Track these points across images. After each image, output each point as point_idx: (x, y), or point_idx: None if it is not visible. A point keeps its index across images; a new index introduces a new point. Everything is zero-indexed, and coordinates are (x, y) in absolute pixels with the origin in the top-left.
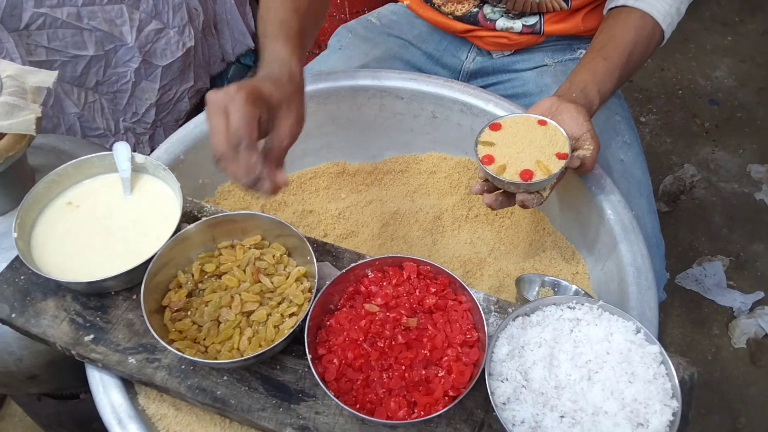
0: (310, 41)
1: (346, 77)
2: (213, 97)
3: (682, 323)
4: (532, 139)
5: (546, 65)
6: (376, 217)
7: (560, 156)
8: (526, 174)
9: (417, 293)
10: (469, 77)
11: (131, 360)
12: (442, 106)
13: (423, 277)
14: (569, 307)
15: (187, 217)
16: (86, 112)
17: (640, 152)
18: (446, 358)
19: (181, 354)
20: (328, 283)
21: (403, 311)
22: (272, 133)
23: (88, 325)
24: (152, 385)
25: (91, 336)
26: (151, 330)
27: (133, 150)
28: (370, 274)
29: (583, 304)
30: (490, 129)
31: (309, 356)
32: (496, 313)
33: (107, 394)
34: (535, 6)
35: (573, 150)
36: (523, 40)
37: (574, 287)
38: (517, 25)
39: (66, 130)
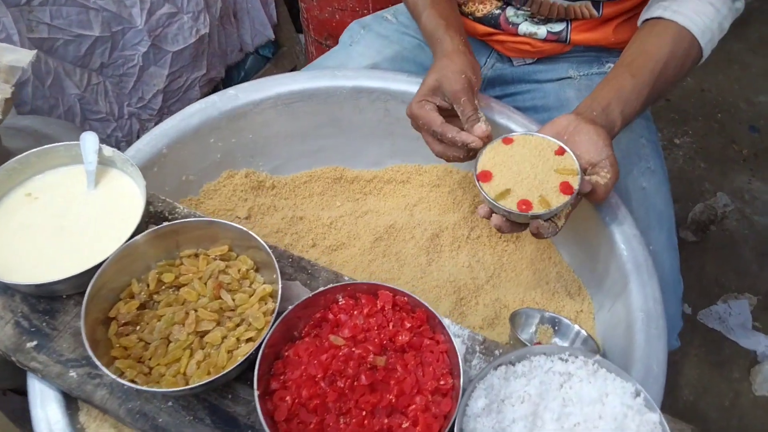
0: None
1: (349, 77)
2: (407, 112)
3: (700, 364)
4: (540, 166)
5: (570, 77)
6: (370, 230)
7: (565, 190)
8: (524, 204)
9: (390, 327)
10: (487, 85)
11: (72, 374)
12: None
13: (399, 309)
14: (561, 359)
15: (157, 218)
16: (88, 94)
17: (665, 181)
18: (413, 406)
19: (113, 377)
20: (291, 307)
21: (371, 347)
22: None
23: (33, 329)
24: (91, 404)
25: (34, 342)
26: (86, 344)
27: (137, 136)
28: (341, 300)
29: (577, 357)
30: (503, 142)
31: (257, 391)
32: (481, 355)
33: (44, 408)
34: (562, 11)
35: (587, 175)
36: (546, 47)
37: (576, 327)
38: (542, 31)
39: (64, 112)
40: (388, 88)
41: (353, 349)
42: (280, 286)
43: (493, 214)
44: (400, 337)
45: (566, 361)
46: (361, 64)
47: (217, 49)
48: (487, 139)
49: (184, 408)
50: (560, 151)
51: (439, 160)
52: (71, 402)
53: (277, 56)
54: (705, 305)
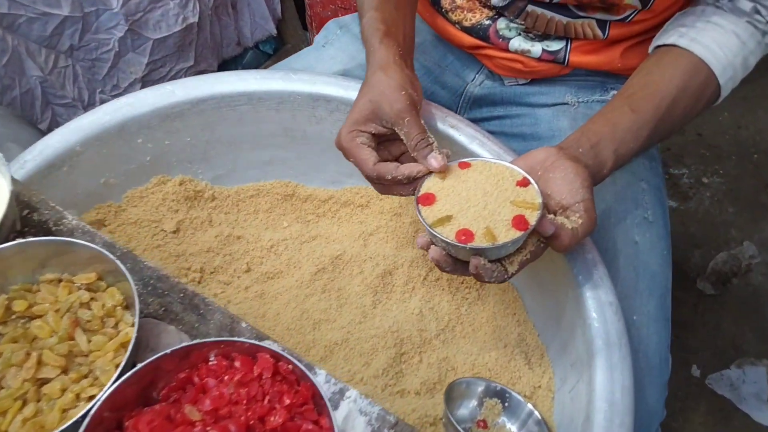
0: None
1: (305, 81)
2: (336, 144)
3: None
4: (495, 195)
5: (567, 104)
6: (314, 259)
7: (519, 225)
8: (464, 234)
9: (265, 402)
10: (472, 104)
11: None
12: None
13: (281, 380)
14: None
15: (39, 229)
16: (53, 77)
17: (665, 236)
18: None
19: None
20: (146, 361)
21: (233, 428)
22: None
23: None
24: None
25: None
26: None
27: None
28: (212, 359)
29: None
30: (458, 166)
31: None
32: None
33: None
34: (561, 28)
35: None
36: (541, 68)
37: (528, 407)
38: (536, 48)
39: (21, 94)
40: (350, 98)
41: (209, 428)
42: (135, 330)
43: (432, 246)
44: (272, 418)
45: None
46: (330, 69)
47: (209, 41)
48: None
49: None
50: (523, 182)
51: None
52: None
53: (279, 53)
54: (716, 368)
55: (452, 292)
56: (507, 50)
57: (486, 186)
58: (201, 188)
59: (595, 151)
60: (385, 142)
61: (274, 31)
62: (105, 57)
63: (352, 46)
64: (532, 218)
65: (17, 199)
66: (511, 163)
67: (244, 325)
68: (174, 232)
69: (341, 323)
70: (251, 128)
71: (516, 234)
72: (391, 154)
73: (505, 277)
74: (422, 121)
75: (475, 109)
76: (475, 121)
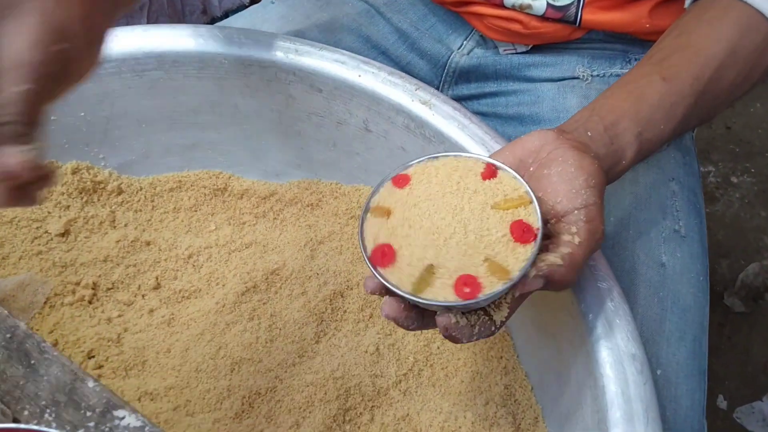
0: None
1: (233, 40)
2: None
3: None
4: (466, 208)
5: (577, 78)
6: (245, 274)
7: (522, 233)
8: (466, 285)
9: None
10: (458, 78)
11: None
12: (380, 115)
13: None
14: None
15: None
16: None
17: (701, 255)
18: None
19: None
20: None
21: None
22: None
23: None
24: None
25: None
26: None
27: None
28: None
29: None
30: (393, 184)
31: None
32: None
33: None
34: None
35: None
36: (546, 30)
37: None
38: (540, 3)
39: None
40: (293, 65)
41: None
42: None
43: (387, 297)
44: None
45: None
46: (280, 30)
47: (165, 7)
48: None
49: None
50: (489, 173)
51: (365, 180)
52: None
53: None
54: (746, 399)
55: None
56: (502, 6)
57: (447, 198)
58: (103, 178)
59: (610, 134)
60: None
61: (247, 0)
62: None
63: (307, 2)
64: (532, 217)
65: None
66: (495, 154)
67: (90, 385)
68: (62, 234)
69: (269, 364)
70: (166, 101)
71: (531, 248)
72: None
73: (493, 329)
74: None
75: (461, 84)
76: (462, 99)
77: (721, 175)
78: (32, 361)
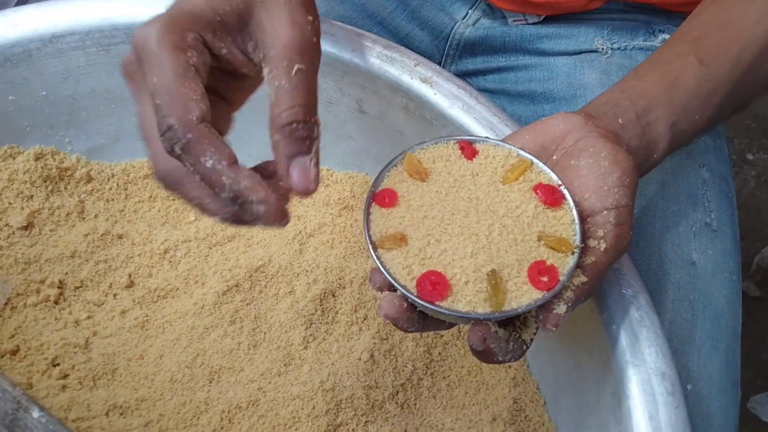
0: None
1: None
2: (124, 60)
3: None
4: (510, 217)
5: (596, 51)
6: (226, 271)
7: (539, 279)
8: (431, 282)
9: None
10: (462, 51)
11: None
12: (375, 94)
13: None
14: None
15: None
16: None
17: (733, 251)
18: None
19: None
20: None
21: None
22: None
23: None
24: None
25: None
26: None
27: None
28: None
29: None
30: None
31: None
32: None
33: None
34: None
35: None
36: None
37: None
38: None
39: None
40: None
41: None
42: None
43: (386, 293)
44: None
45: None
46: None
47: None
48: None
49: None
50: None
51: (359, 167)
52: None
53: None
54: (761, 389)
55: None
56: None
57: (492, 194)
58: (70, 164)
59: (642, 123)
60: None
61: None
62: None
63: None
64: (563, 267)
65: None
66: (512, 137)
67: (35, 415)
68: (24, 228)
69: (251, 374)
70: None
71: (535, 296)
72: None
73: (524, 348)
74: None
75: (466, 58)
76: (467, 74)
77: (737, 152)
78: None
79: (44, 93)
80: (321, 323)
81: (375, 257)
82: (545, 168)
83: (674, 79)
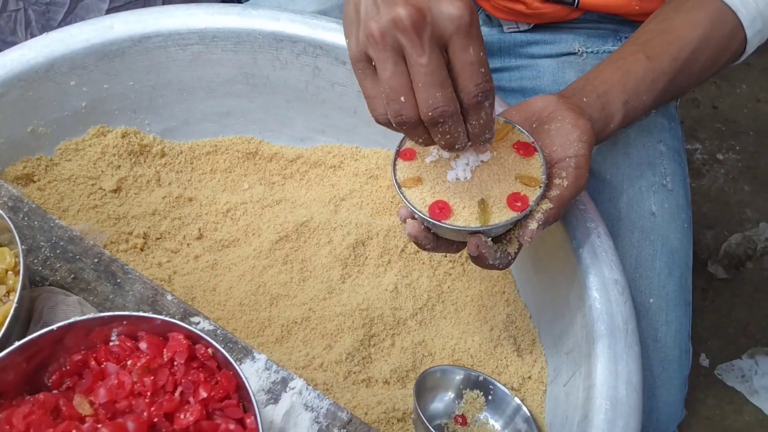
0: None
1: (266, 17)
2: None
3: (712, 429)
4: (496, 164)
5: (574, 53)
6: (277, 225)
7: (515, 203)
8: (439, 207)
9: (176, 395)
10: None
11: None
12: None
13: (198, 367)
14: None
15: None
16: (3, 21)
17: (686, 207)
18: None
19: None
20: (26, 339)
21: (132, 427)
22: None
23: None
24: None
25: None
26: None
27: None
28: (114, 337)
29: None
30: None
31: None
32: None
33: None
34: None
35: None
36: (547, 10)
37: (516, 401)
38: None
39: None
40: (319, 40)
41: (100, 426)
42: (16, 300)
43: (409, 220)
44: (183, 415)
45: None
46: (305, 10)
47: None
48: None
49: None
50: (528, 151)
51: (382, 144)
52: None
53: None
54: (727, 358)
55: (433, 266)
56: None
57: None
58: (148, 142)
59: (602, 101)
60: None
61: None
62: (60, 1)
63: None
64: (532, 196)
65: None
66: (504, 113)
67: (169, 297)
68: (114, 191)
69: (303, 299)
70: (205, 72)
71: (509, 215)
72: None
73: (509, 261)
74: None
75: None
76: None
77: (708, 152)
78: (118, 280)
79: (131, 83)
80: (354, 265)
81: (400, 193)
82: (522, 130)
83: (627, 70)
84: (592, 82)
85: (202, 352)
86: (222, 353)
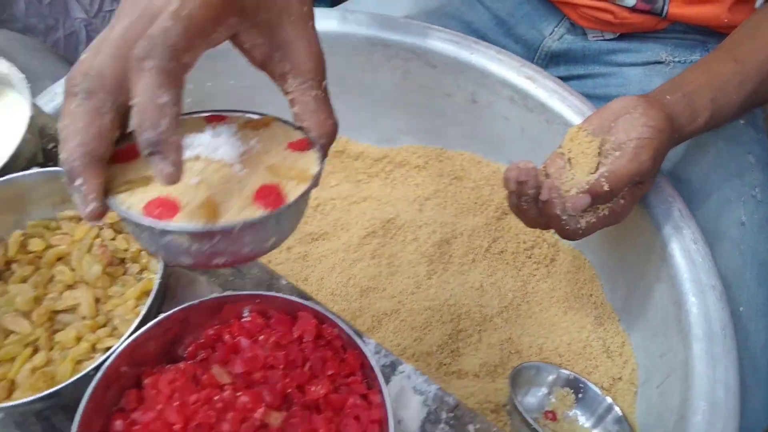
0: None
1: (362, 22)
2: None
3: None
4: (247, 158)
5: (661, 62)
6: (364, 221)
7: (265, 199)
8: (160, 206)
9: (305, 369)
10: (549, 60)
11: None
12: (486, 88)
13: (325, 345)
14: None
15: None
16: (98, 21)
17: None
18: None
19: None
20: (170, 311)
21: (267, 395)
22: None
23: None
24: None
25: None
26: None
27: None
28: (246, 314)
29: None
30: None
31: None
32: (447, 427)
33: None
34: None
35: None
36: (634, 20)
37: (608, 401)
38: None
39: (65, 36)
40: (412, 44)
41: (240, 394)
42: (159, 276)
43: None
44: (314, 388)
45: None
46: (398, 15)
47: None
48: None
49: (18, 425)
50: (300, 145)
51: (466, 146)
52: None
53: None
54: None
55: (518, 267)
56: None
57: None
58: None
59: (687, 99)
60: None
61: None
62: None
63: None
64: (295, 192)
65: (42, 132)
66: (588, 119)
67: (284, 282)
68: None
69: (392, 292)
70: None
71: (254, 213)
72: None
73: (577, 227)
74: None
75: (552, 66)
76: None
77: None
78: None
79: (232, 82)
80: (439, 262)
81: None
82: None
83: (714, 71)
84: (677, 82)
85: (329, 332)
86: (347, 333)
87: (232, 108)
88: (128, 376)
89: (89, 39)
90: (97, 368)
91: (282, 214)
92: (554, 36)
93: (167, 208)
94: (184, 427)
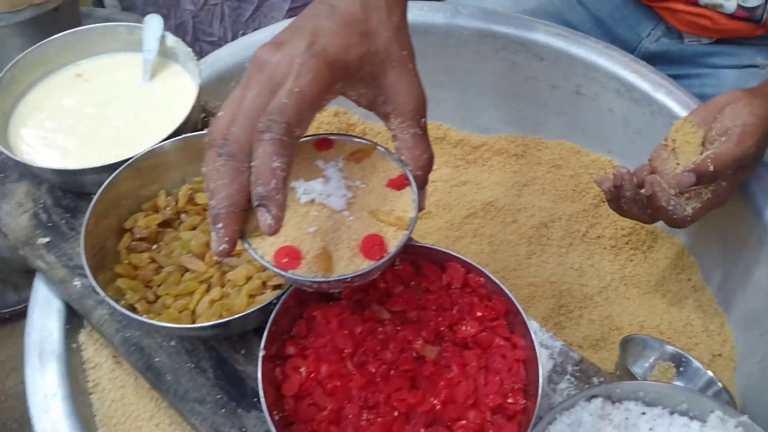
0: None
1: (474, 16)
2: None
3: None
4: (362, 197)
5: (756, 66)
6: (465, 203)
7: (369, 250)
8: (286, 256)
9: (454, 311)
10: (646, 61)
11: (77, 282)
12: (593, 80)
13: (470, 292)
14: (690, 415)
15: None
16: (204, 13)
17: None
18: (464, 422)
19: (103, 295)
20: None
21: (423, 332)
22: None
23: (49, 225)
24: (89, 322)
25: (47, 239)
26: (82, 250)
27: None
28: (397, 264)
29: (712, 412)
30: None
31: (262, 351)
32: (573, 379)
33: (43, 316)
34: None
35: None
36: (733, 27)
37: (708, 374)
38: (731, 3)
39: (176, 26)
40: (522, 37)
41: (399, 329)
42: None
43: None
44: (464, 328)
45: (695, 417)
46: (506, 9)
47: None
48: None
49: (188, 353)
50: (399, 183)
51: (566, 136)
52: (74, 317)
53: None
54: None
55: (615, 252)
56: (696, 4)
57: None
58: (353, 121)
59: None
60: None
61: None
62: None
63: None
64: (394, 241)
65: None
66: (693, 112)
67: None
68: None
69: (494, 268)
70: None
71: (361, 265)
72: None
73: (685, 215)
74: None
75: None
76: None
77: None
78: None
79: None
80: (538, 244)
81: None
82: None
83: None
84: None
85: (475, 280)
86: (493, 281)
87: None
88: (294, 312)
89: (195, 31)
90: (271, 303)
91: (384, 263)
92: (651, 38)
93: (292, 257)
94: (353, 353)
